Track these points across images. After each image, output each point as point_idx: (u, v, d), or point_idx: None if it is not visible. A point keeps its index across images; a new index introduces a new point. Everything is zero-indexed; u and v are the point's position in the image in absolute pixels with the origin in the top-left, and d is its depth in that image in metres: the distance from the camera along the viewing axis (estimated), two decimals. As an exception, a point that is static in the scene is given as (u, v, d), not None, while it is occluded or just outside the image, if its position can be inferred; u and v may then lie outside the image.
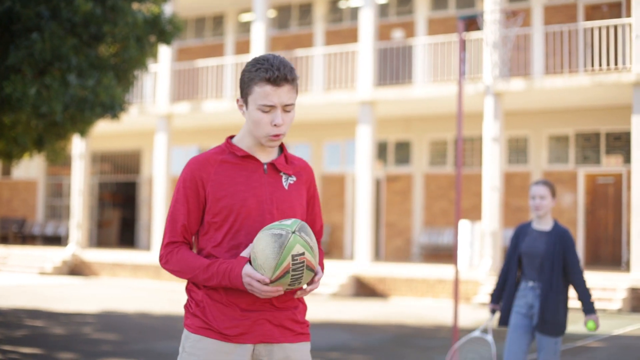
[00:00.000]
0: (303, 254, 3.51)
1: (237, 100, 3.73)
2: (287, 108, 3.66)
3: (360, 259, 23.87)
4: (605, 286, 20.20)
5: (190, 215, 3.71)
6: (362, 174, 24.18)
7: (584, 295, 7.26)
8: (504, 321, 7.51)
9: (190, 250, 3.73)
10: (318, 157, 29.57)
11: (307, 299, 21.51)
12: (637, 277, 20.17)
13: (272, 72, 3.58)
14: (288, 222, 3.54)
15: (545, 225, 7.48)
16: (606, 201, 25.10)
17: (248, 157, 3.74)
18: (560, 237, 7.34)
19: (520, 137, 26.28)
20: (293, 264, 3.49)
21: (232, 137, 3.83)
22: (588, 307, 7.22)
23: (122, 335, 13.21)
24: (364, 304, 20.78)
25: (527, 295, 7.36)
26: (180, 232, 3.71)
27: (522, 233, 7.53)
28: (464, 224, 22.69)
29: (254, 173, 3.73)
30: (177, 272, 3.71)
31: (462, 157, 25.58)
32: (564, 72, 22.93)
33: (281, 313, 3.73)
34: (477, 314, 18.49)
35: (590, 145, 25.32)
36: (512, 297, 7.44)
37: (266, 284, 3.52)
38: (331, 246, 29.09)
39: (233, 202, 3.65)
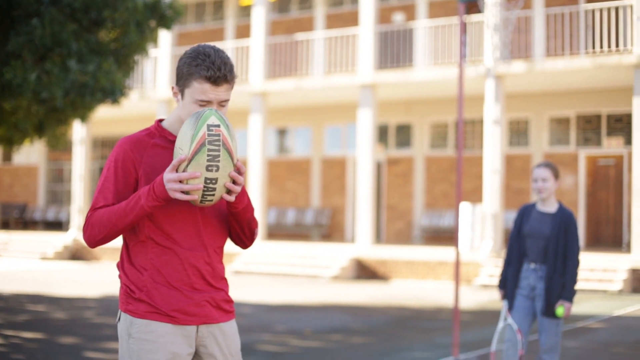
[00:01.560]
0: (219, 126, 3.47)
1: (173, 88, 3.75)
2: (222, 103, 3.67)
3: (361, 242, 23.91)
4: (606, 267, 20.24)
5: (117, 194, 3.66)
6: (363, 157, 24.19)
7: (570, 282, 7.16)
8: (511, 305, 7.45)
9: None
10: (319, 141, 29.57)
11: (308, 282, 21.61)
12: (638, 258, 20.21)
13: (213, 71, 3.60)
14: None
15: (550, 207, 7.41)
16: (607, 183, 25.11)
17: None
18: (565, 220, 7.27)
19: (521, 119, 26.27)
20: (209, 135, 3.44)
21: (161, 120, 3.83)
22: (568, 294, 7.13)
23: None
24: (365, 286, 20.84)
25: (529, 277, 7.31)
26: (103, 204, 3.64)
27: (525, 214, 7.46)
28: (465, 206, 22.72)
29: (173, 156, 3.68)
30: (99, 229, 3.61)
31: (463, 139, 25.61)
32: (565, 54, 22.90)
33: (217, 294, 3.75)
34: (478, 295, 18.54)
35: (591, 127, 25.32)
36: (517, 278, 7.39)
37: (184, 165, 3.44)
38: (332, 229, 29.14)
39: None
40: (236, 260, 24.29)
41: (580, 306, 16.58)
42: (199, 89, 3.61)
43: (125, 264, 3.72)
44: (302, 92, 26.18)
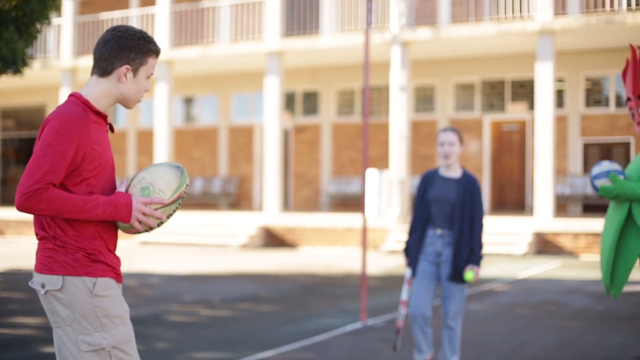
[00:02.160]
0: (187, 186, 4.00)
1: (126, 68, 3.92)
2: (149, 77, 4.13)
3: (269, 210, 23.92)
4: (511, 231, 20.63)
5: (66, 169, 3.76)
6: (270, 125, 24.15)
7: (478, 246, 7.13)
8: (414, 272, 7.33)
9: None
10: (226, 109, 29.42)
11: (217, 251, 21.57)
12: (541, 221, 20.64)
13: (157, 47, 4.04)
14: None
15: (454, 172, 7.30)
16: (511, 148, 25.54)
17: (105, 118, 3.99)
18: (470, 184, 7.22)
19: (427, 85, 26.50)
20: (184, 193, 3.98)
21: (75, 94, 3.93)
22: (476, 259, 7.09)
23: (28, 294, 13.05)
24: (273, 254, 20.87)
25: (435, 242, 7.21)
26: (56, 178, 3.72)
27: (429, 180, 7.34)
28: (372, 173, 22.87)
29: (106, 133, 4.01)
30: (47, 207, 3.71)
31: (370, 106, 25.73)
32: (469, 21, 23.13)
33: None
34: (386, 261, 18.72)
35: (495, 93, 25.67)
36: (420, 245, 7.29)
37: (156, 206, 3.89)
38: (240, 198, 29.08)
39: (103, 160, 3.88)
40: (144, 230, 24.05)
41: (486, 269, 16.88)
42: (152, 64, 4.02)
43: (70, 233, 3.85)
44: (209, 60, 25.98)
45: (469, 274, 6.99)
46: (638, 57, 6.98)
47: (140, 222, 3.89)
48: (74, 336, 3.82)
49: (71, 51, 27.62)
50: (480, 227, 7.18)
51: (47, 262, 3.85)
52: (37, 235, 3.92)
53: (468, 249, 7.10)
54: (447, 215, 7.17)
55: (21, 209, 3.73)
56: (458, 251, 7.08)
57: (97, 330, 3.83)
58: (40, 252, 3.89)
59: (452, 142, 7.23)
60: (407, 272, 7.44)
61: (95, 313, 3.82)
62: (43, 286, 3.83)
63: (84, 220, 3.82)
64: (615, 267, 6.95)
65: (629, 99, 7.15)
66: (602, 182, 7.03)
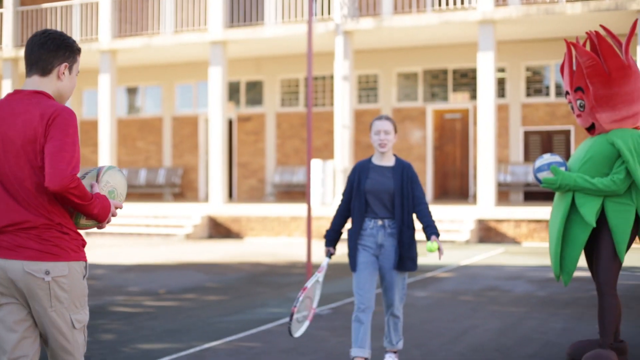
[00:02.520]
0: None
1: (65, 66, 4.33)
2: None
3: (214, 200, 23.91)
4: (454, 218, 20.85)
5: None
6: (215, 115, 24.12)
7: (430, 221, 7.01)
8: (354, 266, 7.09)
9: None
10: (170, 99, 29.30)
11: (162, 241, 21.52)
12: (483, 209, 20.88)
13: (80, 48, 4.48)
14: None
15: (388, 161, 7.12)
16: (454, 137, 25.78)
17: None
18: (407, 170, 7.06)
19: (371, 75, 26.63)
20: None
21: (45, 93, 4.30)
22: (433, 230, 6.93)
23: None
24: (218, 244, 20.88)
25: (376, 234, 7.01)
26: (78, 170, 4.15)
27: (363, 171, 7.10)
28: (316, 163, 22.95)
29: None
30: (79, 196, 4.10)
31: (313, 96, 25.80)
32: (412, 11, 23.27)
33: None
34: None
35: (438, 83, 25.88)
36: (358, 237, 7.08)
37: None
38: (185, 188, 29.01)
39: None
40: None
41: (430, 257, 17.04)
42: (79, 62, 4.45)
43: (70, 222, 4.23)
44: (152, 50, 25.85)
45: (433, 244, 6.84)
46: (573, 53, 7.25)
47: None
48: (67, 316, 4.21)
49: (12, 41, 27.32)
50: (426, 206, 7.08)
51: (52, 249, 4.13)
52: (25, 223, 4.10)
53: (410, 235, 6.99)
54: (388, 204, 6.99)
55: (61, 190, 4.00)
56: (401, 239, 6.96)
57: (82, 308, 4.31)
58: (39, 240, 4.11)
59: (387, 131, 7.11)
60: (324, 261, 7.25)
61: (83, 293, 4.31)
62: (47, 273, 4.10)
63: (82, 212, 4.17)
64: (564, 255, 7.17)
65: (567, 93, 7.43)
66: (544, 175, 7.21)
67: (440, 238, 20.19)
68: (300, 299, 6.79)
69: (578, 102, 7.30)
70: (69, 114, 4.15)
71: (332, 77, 25.98)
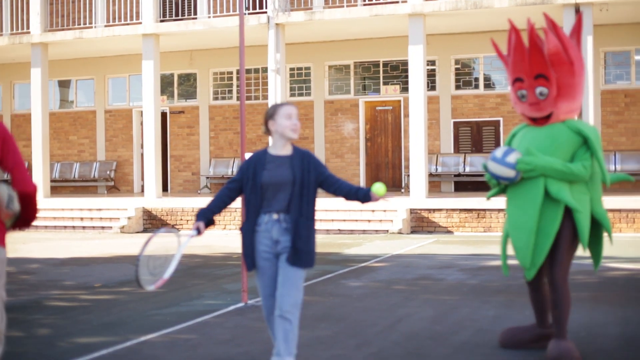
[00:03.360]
0: None
1: None
2: None
3: (149, 193, 23.84)
4: (387, 208, 21.06)
5: None
6: (148, 108, 24.05)
7: (355, 186, 6.57)
8: (251, 265, 6.48)
9: None
10: (103, 92, 29.11)
11: (97, 235, 21.41)
12: (415, 199, 21.14)
13: None
14: None
15: (286, 150, 6.49)
16: (385, 128, 26.02)
17: None
18: (307, 158, 6.47)
19: (303, 68, 26.74)
20: None
21: None
22: (365, 189, 6.54)
23: None
24: (154, 238, 20.83)
25: (271, 229, 6.38)
26: None
27: (259, 162, 6.44)
28: (249, 155, 22.99)
29: None
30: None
31: (246, 89, 25.84)
32: (343, 5, 23.43)
33: None
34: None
35: (369, 75, 26.09)
36: (253, 234, 6.44)
37: None
38: (119, 182, 28.86)
39: None
40: (20, 217, 23.71)
41: (362, 247, 17.25)
42: None
43: None
44: (84, 43, 25.66)
45: (380, 189, 6.43)
46: (531, 39, 6.99)
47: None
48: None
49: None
50: (342, 180, 6.58)
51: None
52: None
53: (307, 226, 6.37)
54: (287, 197, 6.36)
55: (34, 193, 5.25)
56: (297, 230, 6.32)
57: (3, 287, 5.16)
58: None
59: (297, 116, 6.49)
60: (193, 234, 6.47)
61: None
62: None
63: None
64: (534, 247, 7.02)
65: (518, 80, 7.13)
66: (514, 157, 7.00)
67: (374, 227, 20.60)
68: (148, 249, 6.19)
69: (538, 89, 7.02)
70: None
71: (264, 70, 26.05)
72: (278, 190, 6.36)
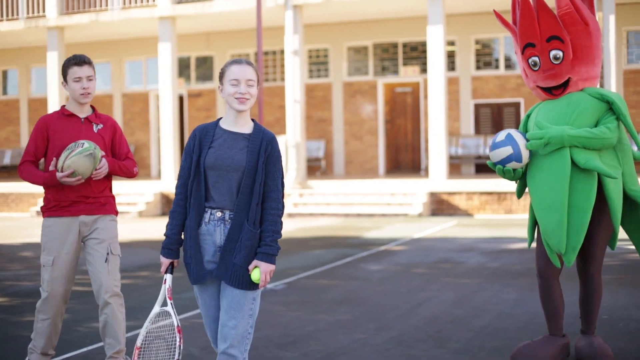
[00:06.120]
0: None
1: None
2: None
3: (167, 177, 23.81)
4: (406, 192, 20.96)
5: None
6: (165, 91, 23.98)
7: (272, 232, 4.81)
8: (199, 277, 4.90)
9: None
10: (119, 76, 29.06)
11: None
12: (435, 182, 21.01)
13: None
14: None
15: (244, 126, 4.91)
16: (405, 110, 25.87)
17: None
18: (267, 143, 4.87)
19: (321, 49, 26.60)
20: None
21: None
22: (269, 249, 4.79)
23: None
24: (172, 221, 20.80)
25: (214, 231, 4.83)
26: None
27: (205, 138, 4.88)
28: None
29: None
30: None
31: (264, 71, 25.74)
32: (361, -15, 23.26)
33: None
34: (285, 224, 18.81)
35: (388, 56, 25.92)
36: (198, 236, 4.86)
37: None
38: (137, 165, 28.81)
39: None
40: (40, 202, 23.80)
41: (382, 230, 17.16)
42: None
43: None
44: (100, 26, 25.61)
45: (254, 274, 4.76)
46: (540, 2, 6.25)
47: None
48: None
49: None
50: (278, 204, 4.88)
51: None
52: None
53: (253, 236, 4.78)
54: (234, 188, 4.81)
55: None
56: (242, 240, 4.78)
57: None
58: None
59: (250, 81, 4.82)
60: (168, 278, 5.02)
61: None
62: None
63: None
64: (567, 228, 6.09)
65: (529, 45, 6.36)
66: (503, 134, 6.28)
67: (393, 211, 20.49)
68: (181, 344, 4.91)
69: (553, 53, 6.23)
70: None
71: (282, 52, 25.92)
72: (226, 178, 4.81)
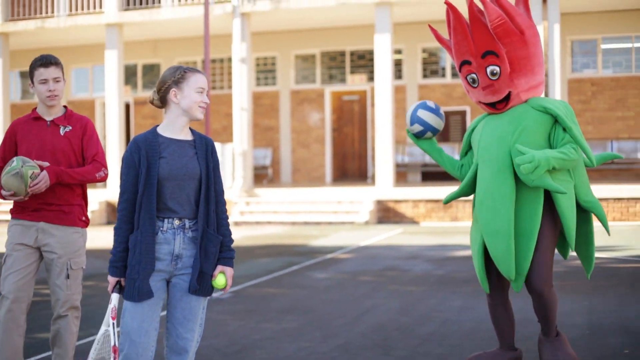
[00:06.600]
0: None
1: None
2: None
3: (113, 186, 23.61)
4: (353, 199, 21.00)
5: None
6: (111, 99, 23.82)
7: (230, 237, 4.95)
8: (145, 293, 4.72)
9: None
10: (65, 83, 28.75)
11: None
12: (382, 190, 21.09)
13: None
14: None
15: (187, 134, 4.88)
16: (352, 118, 25.94)
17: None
18: (210, 149, 4.89)
19: (269, 57, 26.59)
20: None
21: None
22: (230, 254, 4.91)
23: None
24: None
25: (172, 239, 4.75)
26: None
27: (151, 149, 4.73)
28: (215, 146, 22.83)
29: None
30: None
31: (211, 79, 25.67)
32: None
33: None
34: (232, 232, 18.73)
35: (335, 64, 25.99)
36: (147, 246, 4.70)
37: None
38: (83, 173, 28.57)
39: None
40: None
41: (329, 238, 17.18)
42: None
43: None
44: (46, 33, 25.38)
45: (220, 279, 4.82)
46: (471, 13, 6.02)
47: None
48: None
49: None
50: (225, 208, 4.96)
51: None
52: None
53: (216, 242, 4.82)
54: (192, 197, 4.78)
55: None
56: (206, 247, 4.80)
57: None
58: None
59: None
60: (113, 298, 4.81)
61: None
62: None
63: None
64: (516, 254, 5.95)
65: (466, 63, 6.17)
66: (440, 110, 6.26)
67: (340, 219, 20.52)
68: None
69: (489, 69, 6.02)
70: None
71: (230, 60, 25.86)
72: (181, 187, 4.75)
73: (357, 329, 8.27)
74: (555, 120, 5.96)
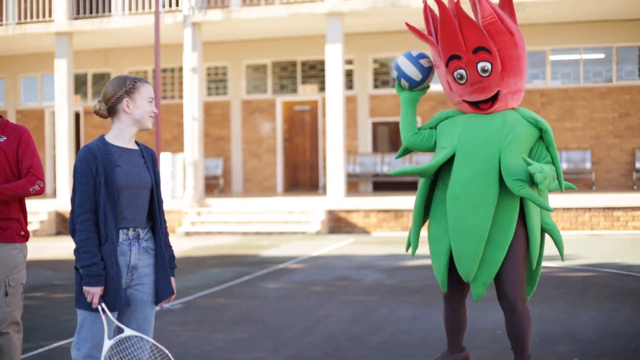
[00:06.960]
0: None
1: None
2: None
3: (62, 195, 23.41)
4: (304, 210, 21.01)
5: None
6: (61, 108, 23.61)
7: (170, 245, 5.00)
8: (125, 301, 4.70)
9: None
10: (14, 92, 28.52)
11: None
12: (333, 200, 21.11)
13: None
14: None
15: (133, 143, 4.88)
16: (303, 128, 25.96)
17: None
18: (154, 159, 4.93)
19: (220, 67, 26.55)
20: None
21: None
22: (174, 264, 5.00)
23: None
24: (66, 240, 20.46)
25: (128, 250, 4.73)
26: None
27: (106, 157, 4.68)
28: (165, 156, 22.74)
29: None
30: None
31: (162, 88, 25.56)
32: (260, 3, 23.29)
33: None
34: (182, 243, 18.70)
35: (287, 75, 26.01)
36: (117, 258, 4.67)
37: None
38: (31, 183, 28.26)
39: None
40: None
41: (280, 249, 17.16)
42: None
43: None
44: (-7, 41, 25.14)
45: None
46: (459, 12, 5.92)
47: None
48: None
49: None
50: (163, 216, 4.95)
51: None
52: None
53: (170, 251, 4.95)
54: (145, 206, 4.80)
55: None
56: (164, 256, 4.85)
57: None
58: None
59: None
60: (105, 308, 4.64)
61: None
62: None
63: None
64: (481, 264, 5.88)
65: (454, 57, 5.96)
66: (426, 62, 6.09)
67: (291, 229, 20.53)
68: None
69: (481, 65, 5.88)
70: None
71: (181, 69, 25.78)
72: (136, 197, 4.74)
73: (308, 339, 8.27)
74: (540, 136, 5.92)
